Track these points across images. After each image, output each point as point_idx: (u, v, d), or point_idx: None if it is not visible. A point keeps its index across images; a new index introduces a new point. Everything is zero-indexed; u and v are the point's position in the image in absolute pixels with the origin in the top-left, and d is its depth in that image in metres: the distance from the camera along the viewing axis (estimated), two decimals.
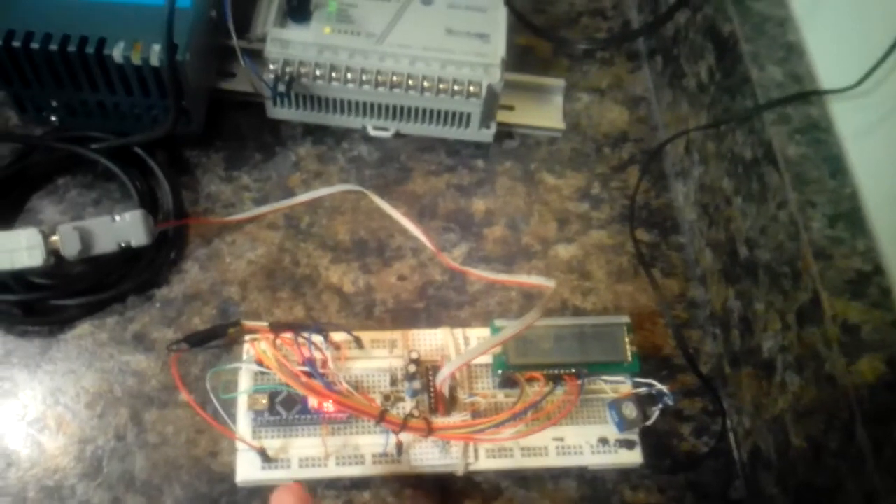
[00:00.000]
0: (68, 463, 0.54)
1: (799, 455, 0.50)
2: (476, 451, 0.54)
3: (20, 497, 0.52)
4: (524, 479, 0.55)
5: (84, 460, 0.54)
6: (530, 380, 0.56)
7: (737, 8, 0.59)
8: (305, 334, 0.54)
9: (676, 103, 0.68)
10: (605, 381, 0.57)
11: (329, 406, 0.52)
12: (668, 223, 0.66)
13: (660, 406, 0.55)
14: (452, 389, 0.56)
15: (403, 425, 0.52)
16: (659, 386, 0.55)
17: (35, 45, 0.57)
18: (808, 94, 0.55)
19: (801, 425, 0.50)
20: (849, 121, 0.53)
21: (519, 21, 0.70)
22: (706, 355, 0.61)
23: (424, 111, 0.65)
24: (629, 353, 0.56)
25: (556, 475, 0.56)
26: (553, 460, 0.55)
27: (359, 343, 0.57)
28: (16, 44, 0.57)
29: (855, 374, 0.46)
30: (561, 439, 0.55)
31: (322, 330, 0.55)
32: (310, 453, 0.53)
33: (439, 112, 0.65)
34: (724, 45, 0.60)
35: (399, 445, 0.53)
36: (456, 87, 0.63)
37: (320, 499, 0.53)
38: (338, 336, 0.56)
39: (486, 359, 0.56)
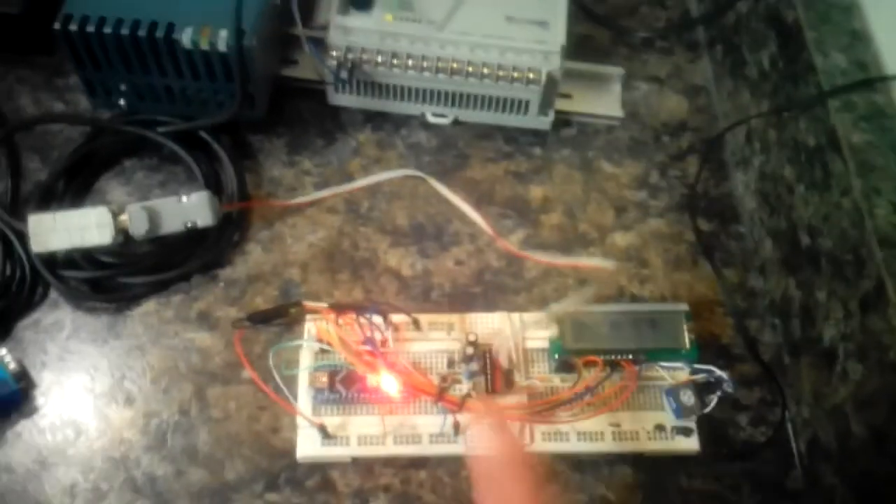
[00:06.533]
0: (134, 435, 0.55)
1: (860, 444, 0.50)
2: (532, 433, 0.55)
3: (88, 466, 0.54)
4: (580, 463, 0.55)
5: (149, 433, 0.55)
6: (588, 364, 0.56)
7: None
8: (366, 315, 0.55)
9: (737, 92, 0.67)
10: (663, 368, 0.56)
11: (388, 385, 0.53)
12: (727, 212, 0.66)
13: (718, 393, 0.55)
14: (509, 373, 0.56)
15: (462, 405, 0.52)
16: (718, 372, 0.55)
17: (107, 30, 0.59)
18: (874, 81, 0.54)
19: (863, 414, 0.50)
20: None
21: (579, 10, 0.70)
22: (764, 345, 0.61)
23: (483, 98, 0.66)
24: (687, 341, 0.56)
25: (612, 461, 0.56)
26: (609, 445, 0.55)
27: (417, 325, 0.57)
28: (89, 28, 0.59)
29: None
30: (617, 425, 0.55)
31: (381, 311, 0.56)
32: (368, 431, 0.54)
33: (498, 99, 0.66)
34: (787, 33, 0.59)
35: (456, 426, 0.54)
36: (515, 75, 0.63)
37: (378, 476, 0.54)
38: (396, 318, 0.57)
39: (543, 343, 0.57)
